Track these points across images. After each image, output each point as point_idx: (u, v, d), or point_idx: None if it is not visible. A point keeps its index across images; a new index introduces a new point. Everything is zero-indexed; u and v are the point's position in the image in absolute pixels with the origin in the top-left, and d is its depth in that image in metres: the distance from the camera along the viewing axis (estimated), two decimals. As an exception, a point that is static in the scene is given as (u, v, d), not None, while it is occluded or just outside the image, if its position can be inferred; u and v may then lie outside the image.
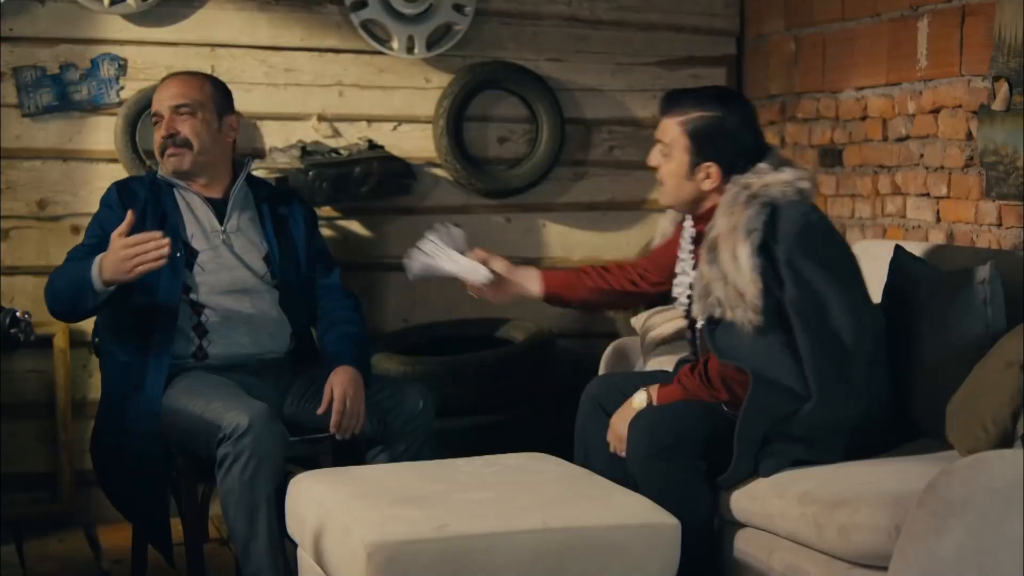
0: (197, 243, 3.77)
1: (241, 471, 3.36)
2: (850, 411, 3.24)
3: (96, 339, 3.86)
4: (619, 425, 3.41)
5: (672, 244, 3.65)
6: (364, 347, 3.86)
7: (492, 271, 3.64)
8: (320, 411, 3.65)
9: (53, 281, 3.66)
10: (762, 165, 3.31)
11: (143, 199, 3.77)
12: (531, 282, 3.68)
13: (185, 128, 3.77)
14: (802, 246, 3.21)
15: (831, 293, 3.22)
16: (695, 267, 3.45)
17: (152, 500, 3.68)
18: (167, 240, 3.43)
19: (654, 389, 3.41)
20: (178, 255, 3.70)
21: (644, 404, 3.38)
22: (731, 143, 3.33)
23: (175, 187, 3.82)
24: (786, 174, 3.28)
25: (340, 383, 3.66)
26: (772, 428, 3.22)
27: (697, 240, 3.45)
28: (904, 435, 3.44)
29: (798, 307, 3.20)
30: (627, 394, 3.49)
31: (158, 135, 3.80)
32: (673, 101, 3.41)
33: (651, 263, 3.74)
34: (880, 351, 3.37)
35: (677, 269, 3.59)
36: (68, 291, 3.58)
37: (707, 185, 3.36)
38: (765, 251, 3.21)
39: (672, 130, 3.38)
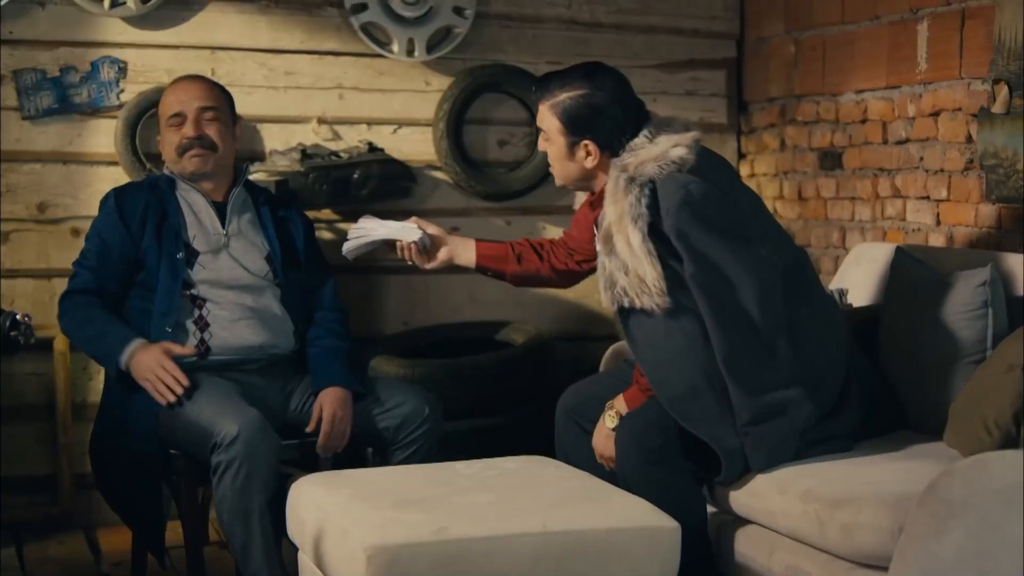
0: (198, 244, 3.78)
1: (233, 479, 3.38)
2: (778, 370, 3.22)
3: None
4: (601, 446, 3.43)
5: (587, 216, 3.60)
6: (352, 360, 3.88)
7: (426, 233, 3.62)
8: (309, 429, 3.71)
9: (76, 325, 3.74)
10: (638, 140, 3.29)
11: (143, 205, 3.78)
12: (466, 250, 3.66)
13: (212, 131, 3.81)
14: (687, 218, 3.17)
15: (727, 258, 3.19)
16: None
17: (147, 501, 3.68)
18: (180, 391, 3.54)
19: (619, 402, 3.41)
20: (179, 256, 3.72)
21: (616, 420, 3.39)
22: (602, 118, 3.32)
23: (178, 189, 3.83)
24: (660, 145, 3.25)
25: (329, 404, 3.70)
26: (735, 426, 3.21)
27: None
28: (896, 416, 3.45)
29: (698, 281, 3.18)
30: (600, 400, 3.50)
31: (179, 134, 3.80)
32: (542, 86, 3.41)
33: (573, 242, 3.70)
34: (806, 290, 3.33)
35: (597, 244, 3.51)
36: (89, 348, 3.78)
37: (589, 163, 3.35)
38: (656, 232, 3.20)
39: (545, 115, 3.39)
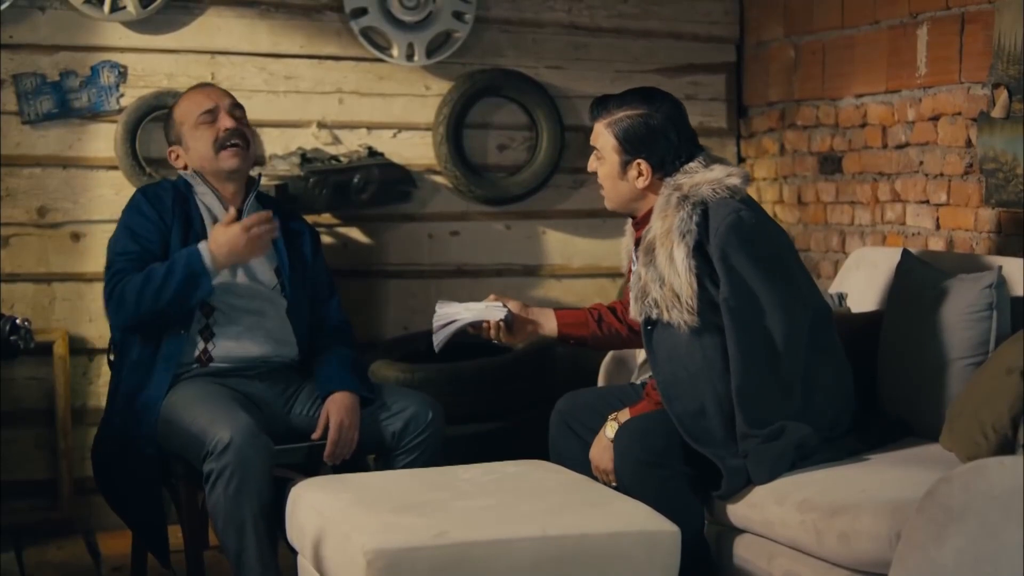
0: None
1: (225, 487, 3.38)
2: (786, 410, 3.24)
3: (113, 340, 3.85)
4: (599, 458, 3.43)
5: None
6: (359, 368, 3.87)
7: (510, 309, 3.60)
8: (315, 436, 3.70)
9: (133, 291, 3.59)
10: (692, 164, 3.36)
11: (171, 203, 3.77)
12: (548, 320, 3.66)
13: (245, 129, 3.82)
14: (732, 242, 3.22)
15: (764, 289, 3.23)
16: None
17: (147, 504, 3.70)
18: (276, 223, 3.64)
19: (623, 414, 3.42)
20: None
21: (616, 431, 3.39)
22: (657, 139, 3.37)
23: (196, 195, 3.82)
24: (715, 171, 3.32)
25: (336, 411, 3.69)
26: (737, 443, 3.22)
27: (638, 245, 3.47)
28: (902, 431, 3.45)
29: (730, 305, 3.22)
30: (595, 409, 3.53)
31: (214, 129, 3.77)
32: (600, 105, 3.46)
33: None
34: (828, 344, 3.37)
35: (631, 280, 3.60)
36: (170, 289, 3.58)
37: (640, 183, 3.39)
38: (700, 251, 3.24)
39: (601, 133, 3.43)
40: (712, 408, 3.24)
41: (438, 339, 3.56)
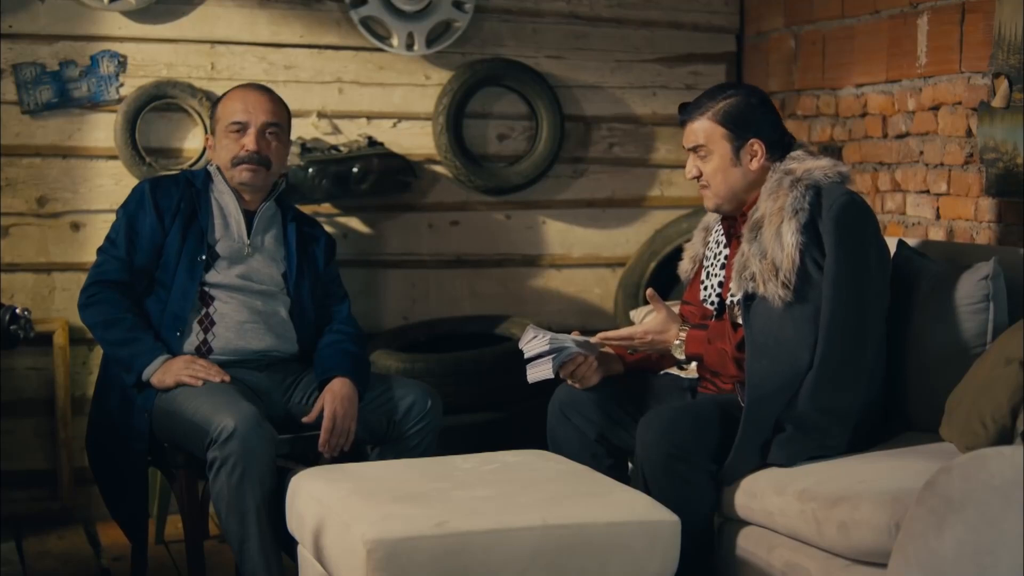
0: (220, 248, 3.77)
1: (229, 475, 3.37)
2: (854, 396, 3.28)
3: None
4: (648, 333, 3.48)
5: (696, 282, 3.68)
6: (361, 363, 3.84)
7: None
8: (307, 420, 3.67)
9: (100, 322, 3.69)
10: (798, 152, 3.40)
11: (177, 198, 3.77)
12: (614, 361, 3.66)
13: (271, 149, 3.79)
14: (846, 220, 3.25)
15: (865, 271, 3.28)
16: (723, 267, 3.52)
17: (132, 496, 3.71)
18: (219, 379, 3.58)
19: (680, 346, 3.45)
20: (200, 259, 3.72)
21: (681, 351, 3.44)
22: (763, 116, 3.41)
23: (213, 188, 3.82)
24: (824, 160, 3.36)
25: (332, 400, 3.65)
26: (784, 414, 3.23)
27: (730, 235, 3.50)
28: (902, 427, 3.46)
29: (836, 280, 3.23)
30: (591, 401, 3.54)
31: (238, 144, 3.76)
32: (691, 106, 3.45)
33: (694, 318, 3.70)
34: (883, 340, 3.41)
35: (702, 275, 3.60)
36: (111, 351, 3.71)
37: (755, 164, 3.40)
38: (809, 230, 3.26)
39: (704, 126, 3.41)
40: (789, 376, 3.24)
41: (538, 369, 3.50)
